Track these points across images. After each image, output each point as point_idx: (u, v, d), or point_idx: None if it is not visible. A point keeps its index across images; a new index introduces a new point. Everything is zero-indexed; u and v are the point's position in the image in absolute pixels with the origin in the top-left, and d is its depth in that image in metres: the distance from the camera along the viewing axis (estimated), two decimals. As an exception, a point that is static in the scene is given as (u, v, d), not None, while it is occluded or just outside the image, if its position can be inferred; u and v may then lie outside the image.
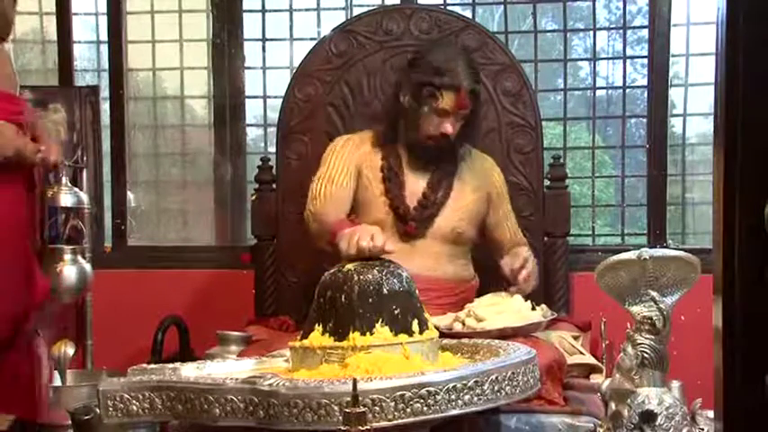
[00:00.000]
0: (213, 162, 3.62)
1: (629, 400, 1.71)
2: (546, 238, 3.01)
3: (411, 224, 2.65)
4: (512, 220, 2.83)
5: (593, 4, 3.50)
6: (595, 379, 2.47)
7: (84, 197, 3.17)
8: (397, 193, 2.67)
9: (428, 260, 2.63)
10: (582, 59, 3.82)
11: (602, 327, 1.90)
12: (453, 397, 1.56)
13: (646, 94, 3.40)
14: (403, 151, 2.72)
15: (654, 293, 1.73)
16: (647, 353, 1.71)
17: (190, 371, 1.90)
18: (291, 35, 3.56)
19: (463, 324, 2.40)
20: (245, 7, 3.58)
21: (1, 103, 2.39)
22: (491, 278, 2.77)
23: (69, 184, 3.14)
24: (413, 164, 2.71)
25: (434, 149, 2.67)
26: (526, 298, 2.52)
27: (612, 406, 1.75)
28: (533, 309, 2.47)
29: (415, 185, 2.69)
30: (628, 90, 3.55)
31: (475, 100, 2.67)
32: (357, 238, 2.07)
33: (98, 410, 1.74)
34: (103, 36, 3.58)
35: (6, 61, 2.48)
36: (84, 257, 3.08)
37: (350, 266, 1.88)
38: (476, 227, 2.75)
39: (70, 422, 2.02)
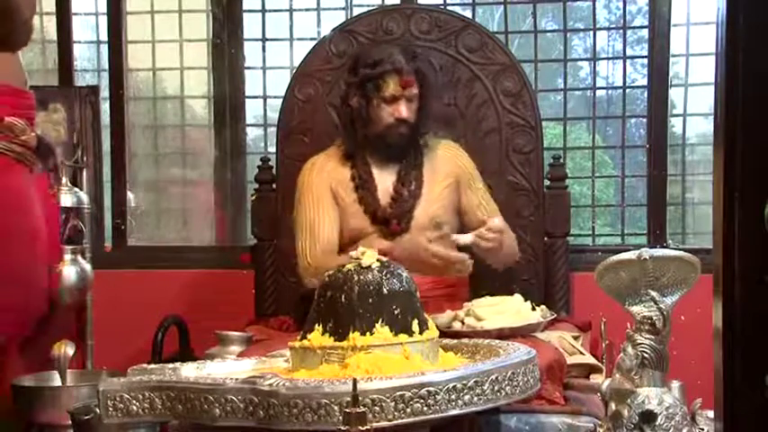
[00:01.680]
0: (213, 162, 3.62)
1: (629, 400, 1.70)
2: (546, 238, 3.01)
3: (393, 222, 2.69)
4: (486, 199, 2.83)
5: (593, 4, 3.50)
6: (595, 379, 2.46)
7: (84, 197, 3.16)
8: (370, 199, 2.71)
9: None
10: (582, 59, 3.82)
11: (602, 327, 1.89)
12: (453, 397, 1.56)
13: (646, 94, 3.40)
14: (369, 156, 2.75)
15: (654, 293, 1.73)
16: (647, 353, 1.71)
17: (190, 371, 1.90)
18: (291, 35, 3.56)
19: (463, 323, 2.41)
20: (245, 7, 3.58)
21: (11, 98, 2.39)
22: (482, 272, 2.78)
23: (69, 184, 3.14)
24: (380, 165, 2.75)
25: (398, 143, 2.71)
26: (526, 298, 2.52)
27: (612, 406, 1.74)
28: (533, 309, 2.47)
29: (386, 184, 2.74)
30: (628, 90, 3.55)
31: (420, 81, 2.70)
32: None
33: (98, 410, 1.74)
34: (103, 36, 3.58)
35: (15, 58, 2.49)
36: (84, 257, 3.08)
37: (350, 266, 1.87)
38: (454, 214, 2.78)
39: (70, 422, 2.02)
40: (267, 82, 3.57)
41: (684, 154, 3.50)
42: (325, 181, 2.76)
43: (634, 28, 3.67)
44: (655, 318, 1.72)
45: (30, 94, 2.55)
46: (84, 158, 3.37)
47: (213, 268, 3.41)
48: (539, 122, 3.03)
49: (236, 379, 1.64)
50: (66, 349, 2.73)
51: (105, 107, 3.53)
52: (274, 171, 3.11)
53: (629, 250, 1.80)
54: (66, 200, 3.04)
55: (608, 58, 3.66)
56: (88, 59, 3.71)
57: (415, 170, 2.75)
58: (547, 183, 3.04)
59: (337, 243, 2.70)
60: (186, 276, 3.40)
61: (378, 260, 1.88)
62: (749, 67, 1.22)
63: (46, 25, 3.63)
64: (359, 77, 2.68)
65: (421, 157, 2.77)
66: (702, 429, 1.75)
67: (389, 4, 3.42)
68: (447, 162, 2.80)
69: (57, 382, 2.73)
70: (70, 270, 2.98)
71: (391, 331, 1.79)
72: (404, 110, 2.66)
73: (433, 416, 1.54)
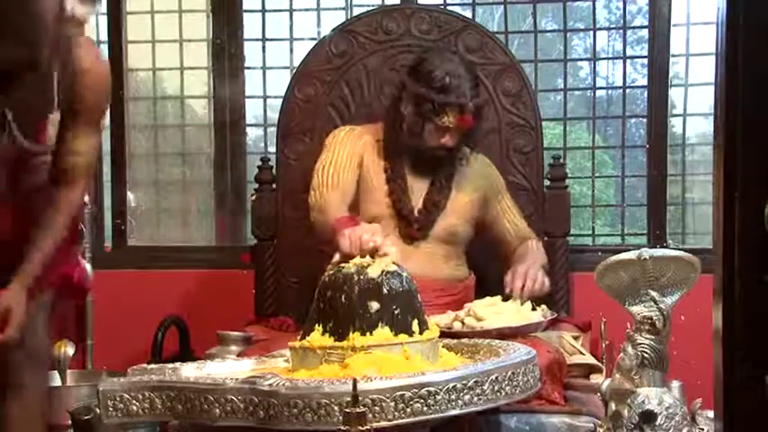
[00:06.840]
0: (213, 162, 3.62)
1: (629, 400, 1.71)
2: (546, 238, 3.00)
3: (415, 226, 2.68)
4: (513, 214, 2.82)
5: (593, 4, 3.49)
6: (595, 379, 2.47)
7: (85, 197, 3.16)
8: (401, 196, 2.69)
9: (424, 261, 2.64)
10: (582, 59, 3.82)
11: (602, 327, 1.90)
12: (453, 397, 1.56)
13: (646, 94, 3.40)
14: (405, 155, 2.72)
15: (654, 293, 1.73)
16: (647, 353, 1.71)
17: (190, 371, 1.90)
18: (291, 35, 3.56)
19: (463, 323, 2.41)
20: (245, 7, 3.57)
21: None
22: (487, 275, 2.78)
23: (69, 184, 3.14)
24: (415, 168, 2.72)
25: (436, 156, 2.68)
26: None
27: (612, 406, 1.75)
28: (533, 309, 2.47)
29: (418, 188, 2.72)
30: (628, 90, 3.54)
31: (477, 112, 2.66)
32: (359, 235, 2.07)
33: (98, 410, 1.74)
34: (103, 36, 3.58)
35: None
36: (84, 257, 3.08)
37: (350, 266, 1.88)
38: (471, 226, 2.77)
39: (70, 422, 2.02)
40: (267, 82, 3.56)
41: (684, 154, 3.49)
42: (359, 146, 2.74)
43: (634, 28, 3.66)
44: (655, 318, 1.72)
45: None
46: (85, 158, 3.37)
47: (213, 268, 3.41)
48: (539, 122, 3.03)
49: (236, 379, 1.64)
50: (67, 349, 2.74)
51: (105, 107, 3.53)
52: (274, 171, 3.11)
53: (629, 250, 1.80)
54: (66, 200, 3.03)
55: (608, 58, 3.65)
56: (88, 59, 3.70)
57: (446, 181, 2.73)
58: (547, 183, 3.04)
59: (349, 199, 2.65)
60: (186, 276, 3.40)
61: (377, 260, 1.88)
62: (749, 67, 1.22)
63: (46, 25, 3.63)
64: (420, 95, 2.60)
65: (453, 170, 2.75)
66: (702, 429, 1.75)
67: (389, 4, 3.41)
68: (477, 176, 2.79)
69: (57, 382, 2.74)
70: (70, 270, 2.97)
71: (391, 331, 1.79)
72: (451, 141, 2.64)
73: (433, 416, 1.54)
